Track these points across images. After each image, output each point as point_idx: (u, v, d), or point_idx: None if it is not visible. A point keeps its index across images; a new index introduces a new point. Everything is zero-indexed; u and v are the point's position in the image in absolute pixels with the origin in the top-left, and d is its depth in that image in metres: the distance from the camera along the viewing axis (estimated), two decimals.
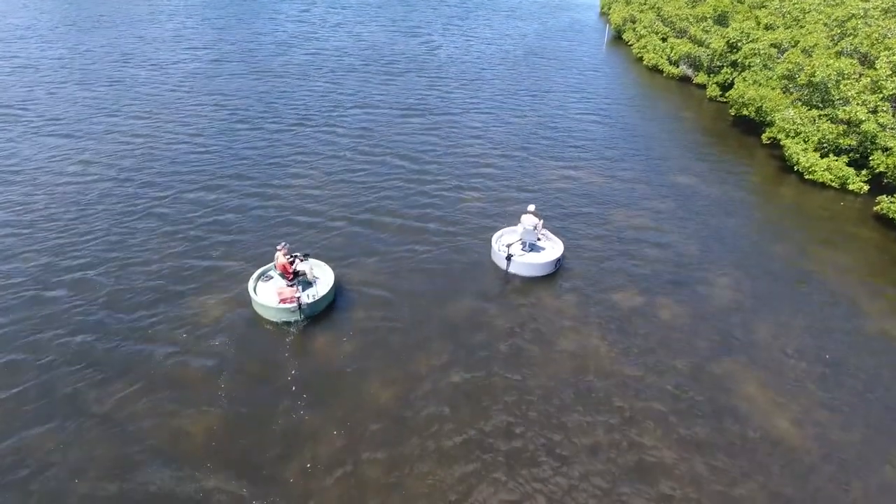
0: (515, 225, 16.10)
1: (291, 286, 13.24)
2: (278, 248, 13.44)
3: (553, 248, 15.97)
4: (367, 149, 23.20)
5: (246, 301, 13.55)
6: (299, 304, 12.74)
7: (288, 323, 13.01)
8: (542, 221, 15.46)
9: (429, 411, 11.02)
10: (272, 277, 13.94)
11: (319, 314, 13.41)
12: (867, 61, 23.58)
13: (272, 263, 14.02)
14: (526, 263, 15.17)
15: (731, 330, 13.71)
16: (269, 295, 13.29)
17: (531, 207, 15.57)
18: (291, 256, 13.51)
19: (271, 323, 13.11)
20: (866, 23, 25.19)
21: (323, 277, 14.02)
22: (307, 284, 13.60)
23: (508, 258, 14.97)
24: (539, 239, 15.84)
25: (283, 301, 12.91)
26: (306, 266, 13.79)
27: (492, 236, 16.21)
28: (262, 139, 23.86)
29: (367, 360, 12.23)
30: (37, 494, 9.25)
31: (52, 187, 19.05)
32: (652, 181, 21.49)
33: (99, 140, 23.11)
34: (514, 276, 15.28)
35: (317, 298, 13.18)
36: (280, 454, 10.03)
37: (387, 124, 26.24)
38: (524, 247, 15.54)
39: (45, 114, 25.91)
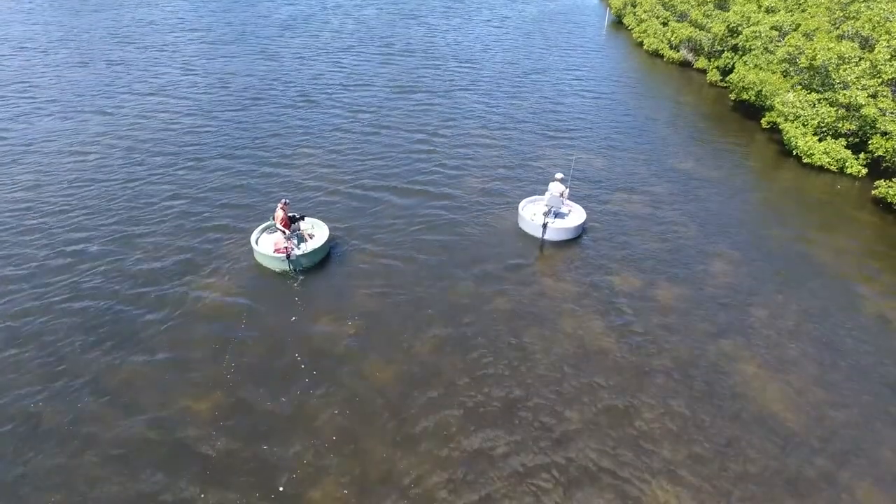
0: (525, 199, 17.35)
1: (289, 238, 14.53)
2: (280, 203, 14.63)
3: (577, 213, 16.94)
4: (370, 124, 24.37)
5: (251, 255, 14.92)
6: (288, 255, 13.93)
7: (285, 273, 14.24)
8: (567, 189, 16.40)
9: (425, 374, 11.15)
10: (275, 231, 15.09)
11: (317, 269, 14.61)
12: (868, 45, 23.46)
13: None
14: (560, 228, 16.16)
15: (728, 311, 13.79)
16: (267, 246, 14.68)
17: (559, 175, 16.46)
18: (291, 213, 14.70)
19: (271, 273, 14.29)
20: (868, 6, 25.02)
21: (318, 235, 15.19)
22: (303, 241, 14.91)
23: (544, 226, 15.75)
24: (562, 205, 16.82)
25: (276, 251, 14.30)
26: (305, 223, 15.15)
27: (518, 204, 17.21)
28: (270, 115, 25.21)
29: (368, 335, 12.35)
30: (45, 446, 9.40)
31: (70, 162, 20.02)
32: (651, 165, 21.48)
33: (109, 116, 24.47)
34: (548, 241, 16.12)
35: (306, 252, 14.38)
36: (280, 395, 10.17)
37: (385, 102, 27.19)
38: (549, 213, 16.43)
39: (58, 93, 27.06)
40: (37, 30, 38.56)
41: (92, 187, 18.31)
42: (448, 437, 10.19)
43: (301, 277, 14.19)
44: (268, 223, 15.34)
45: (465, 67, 33.54)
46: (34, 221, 16.34)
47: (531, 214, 16.69)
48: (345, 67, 32.97)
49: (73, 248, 15.13)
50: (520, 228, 16.85)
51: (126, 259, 14.73)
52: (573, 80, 32.11)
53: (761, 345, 12.77)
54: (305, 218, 15.42)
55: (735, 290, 14.62)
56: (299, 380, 11.27)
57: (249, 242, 14.93)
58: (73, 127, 23.13)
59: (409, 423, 10.44)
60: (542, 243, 16.09)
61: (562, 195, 16.27)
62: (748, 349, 12.62)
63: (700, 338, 12.90)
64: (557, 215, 16.64)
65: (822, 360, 12.46)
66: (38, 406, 10.53)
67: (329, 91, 28.70)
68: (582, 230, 16.65)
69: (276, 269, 14.36)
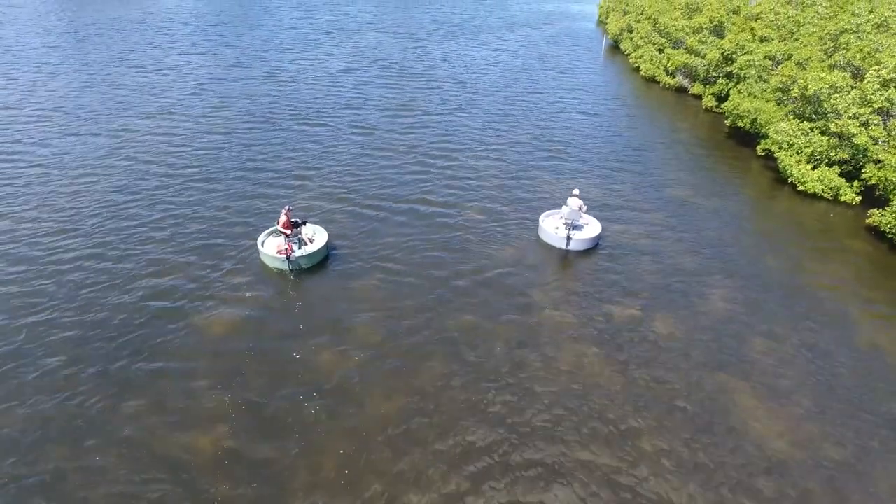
0: (543, 213, 18.78)
1: (290, 241, 15.88)
2: (284, 209, 16.03)
3: (594, 225, 18.30)
4: (370, 143, 25.69)
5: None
6: (288, 256, 15.40)
7: (284, 271, 15.81)
8: (584, 203, 17.74)
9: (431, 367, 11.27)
10: (280, 235, 16.42)
11: (316, 270, 16.07)
12: (860, 75, 23.96)
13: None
14: (582, 239, 17.55)
15: (725, 342, 13.97)
16: (271, 248, 16.19)
17: (576, 191, 17.98)
18: (294, 219, 16.15)
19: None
20: (858, 37, 25.59)
21: (318, 239, 16.64)
22: (304, 244, 16.24)
23: (568, 238, 17.23)
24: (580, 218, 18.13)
25: (278, 252, 15.71)
26: (306, 229, 16.58)
27: (539, 217, 18.64)
28: (274, 135, 26.40)
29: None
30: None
31: (95, 178, 20.73)
32: (648, 192, 21.81)
33: (118, 136, 25.41)
34: (571, 251, 17.51)
35: (305, 254, 15.83)
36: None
37: (385, 122, 28.28)
38: (567, 226, 17.62)
39: (67, 114, 28.12)
40: (44, 52, 39.21)
41: (106, 203, 18.60)
42: (445, 476, 10.32)
43: (295, 274, 15.76)
44: (273, 227, 16.74)
45: (464, 90, 34.12)
46: (37, 239, 16.58)
47: (553, 227, 17.97)
48: (346, 89, 33.71)
49: (85, 266, 15.38)
50: (540, 240, 18.14)
51: (130, 275, 14.96)
52: (571, 104, 32.62)
53: (758, 377, 12.93)
54: (307, 224, 16.80)
55: (731, 320, 14.82)
56: (301, 412, 11.41)
57: (254, 248, 16.56)
58: (83, 147, 23.63)
59: (410, 459, 10.56)
60: (566, 254, 17.45)
61: (580, 208, 17.44)
62: (745, 381, 12.78)
63: (697, 370, 13.07)
64: (575, 227, 17.79)
65: (818, 392, 12.62)
66: (37, 442, 10.66)
67: (331, 111, 29.53)
68: (599, 240, 18.02)
69: (276, 268, 15.94)
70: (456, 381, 12.40)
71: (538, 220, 18.54)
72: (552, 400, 12.01)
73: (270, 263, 16.03)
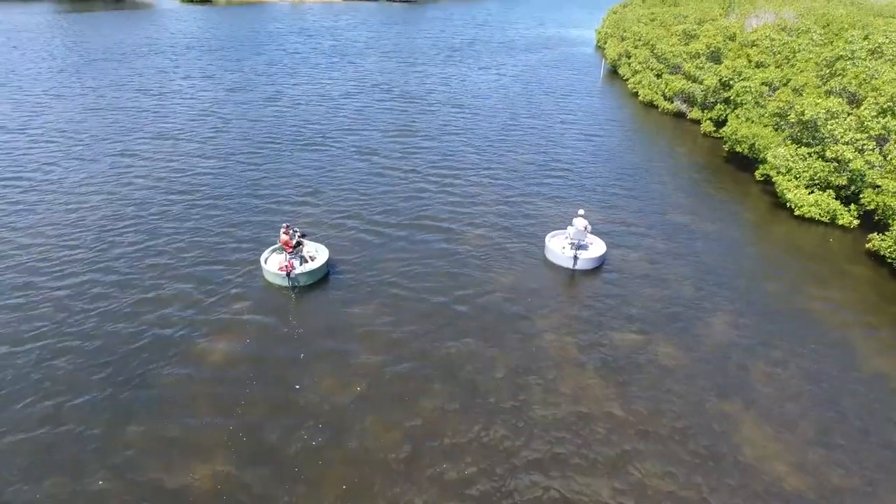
0: (549, 234, 19.07)
1: (291, 259, 16.27)
2: (282, 228, 16.48)
3: (598, 244, 18.64)
4: (372, 165, 26.24)
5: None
6: (288, 273, 15.85)
7: (285, 287, 16.15)
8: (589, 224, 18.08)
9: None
10: (282, 252, 16.83)
11: (317, 294, 16.30)
12: (855, 101, 24.24)
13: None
14: (588, 259, 17.95)
15: (727, 370, 13.91)
16: (273, 265, 16.56)
17: (581, 212, 18.23)
18: (292, 234, 16.45)
19: (275, 296, 15.91)
20: (853, 63, 25.96)
21: (319, 257, 17.05)
22: (305, 261, 16.64)
23: (575, 258, 17.70)
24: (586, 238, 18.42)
25: (280, 269, 16.09)
26: (308, 247, 17.05)
27: (545, 237, 18.99)
28: (278, 156, 26.60)
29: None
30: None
31: (98, 200, 20.59)
32: (649, 218, 21.90)
33: (129, 160, 25.06)
34: (578, 270, 17.88)
35: (305, 271, 16.24)
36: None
37: (386, 144, 28.87)
38: (573, 246, 17.98)
39: (86, 137, 28.48)
40: (50, 76, 39.70)
41: (108, 226, 18.66)
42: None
43: (296, 290, 16.15)
44: (277, 245, 17.22)
45: (464, 113, 34.48)
46: (39, 260, 16.59)
47: (560, 248, 18.31)
48: (348, 112, 34.19)
49: (95, 285, 15.36)
50: (547, 260, 18.48)
51: (130, 300, 14.94)
52: (571, 129, 32.93)
53: (762, 405, 12.84)
54: (306, 239, 17.10)
55: (733, 346, 14.77)
56: (302, 443, 11.30)
57: (256, 272, 16.88)
58: (87, 170, 23.80)
59: (412, 489, 10.44)
60: (573, 273, 17.80)
61: (585, 228, 17.73)
62: (749, 410, 12.69)
63: (700, 398, 12.99)
64: (581, 247, 18.06)
65: (823, 420, 12.52)
66: (30, 469, 10.54)
67: (332, 134, 29.98)
68: (604, 259, 18.36)
69: (277, 284, 16.34)
70: (457, 408, 12.31)
71: (544, 241, 18.86)
72: (553, 427, 11.90)
73: (271, 280, 16.45)
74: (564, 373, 13.53)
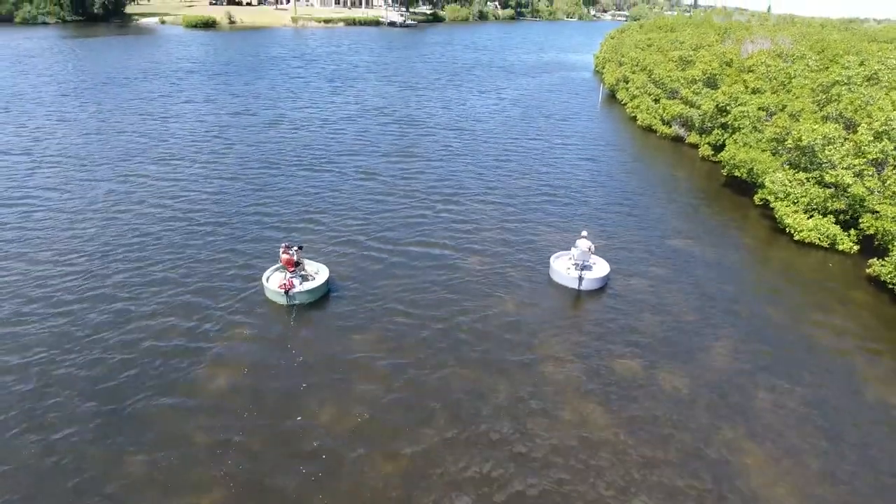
0: (553, 255, 19.31)
1: (291, 277, 16.58)
2: (281, 248, 16.92)
3: (602, 265, 18.86)
4: (372, 188, 26.42)
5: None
6: (287, 291, 16.18)
7: (284, 305, 16.49)
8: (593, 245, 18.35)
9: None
10: (284, 270, 17.17)
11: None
12: (852, 126, 24.46)
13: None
14: (593, 279, 18.22)
15: (730, 398, 13.78)
16: (275, 282, 16.84)
17: (584, 233, 18.53)
18: (290, 251, 16.78)
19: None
20: (850, 89, 26.26)
21: (319, 276, 17.31)
22: (305, 279, 17.01)
23: (580, 278, 17.98)
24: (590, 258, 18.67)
25: (280, 287, 16.35)
26: (309, 267, 17.44)
27: (549, 258, 19.23)
28: (281, 179, 27.05)
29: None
30: None
31: (102, 222, 20.86)
32: (648, 243, 21.93)
33: (133, 183, 25.31)
34: (584, 291, 18.12)
35: (305, 290, 16.58)
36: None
37: (387, 167, 29.44)
38: (577, 267, 18.18)
39: (91, 160, 28.82)
40: (55, 100, 40.11)
41: (111, 249, 18.65)
42: None
43: (294, 307, 16.43)
44: (279, 265, 17.48)
45: (464, 136, 34.78)
46: (43, 280, 16.54)
47: (565, 269, 18.54)
48: (349, 135, 34.55)
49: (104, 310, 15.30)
50: (552, 281, 18.70)
51: (130, 325, 14.85)
52: (570, 154, 33.19)
53: (765, 435, 12.70)
54: (305, 257, 17.41)
55: (736, 374, 14.67)
56: (301, 475, 11.15)
57: (257, 294, 17.03)
58: (92, 192, 24.01)
59: None
60: (578, 293, 18.03)
61: (589, 249, 17.93)
62: (752, 439, 12.55)
63: (702, 425, 12.86)
64: (585, 268, 18.24)
65: (826, 450, 12.37)
66: (32, 503, 10.38)
67: (334, 157, 30.26)
68: (608, 280, 18.62)
69: (277, 302, 16.62)
70: (458, 437, 12.17)
71: (549, 262, 19.03)
72: (556, 456, 11.75)
73: (271, 297, 16.79)
74: (566, 402, 13.41)
